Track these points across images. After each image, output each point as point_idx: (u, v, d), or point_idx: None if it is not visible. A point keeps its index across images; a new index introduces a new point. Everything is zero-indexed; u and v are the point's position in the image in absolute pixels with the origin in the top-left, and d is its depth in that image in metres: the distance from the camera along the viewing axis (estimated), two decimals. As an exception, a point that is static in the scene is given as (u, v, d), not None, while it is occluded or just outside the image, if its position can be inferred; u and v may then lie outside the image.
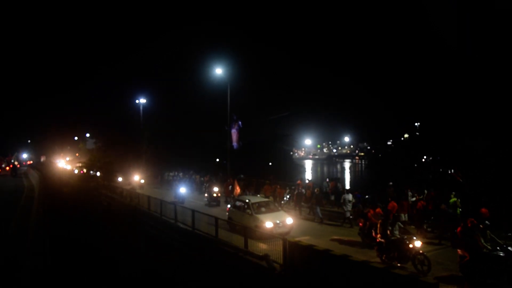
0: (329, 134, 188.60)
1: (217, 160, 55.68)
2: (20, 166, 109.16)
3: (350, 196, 19.34)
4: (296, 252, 11.57)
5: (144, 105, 50.15)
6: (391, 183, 20.50)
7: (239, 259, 13.27)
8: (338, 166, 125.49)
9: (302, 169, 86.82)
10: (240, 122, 33.82)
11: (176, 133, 56.72)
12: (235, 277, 13.02)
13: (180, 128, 56.63)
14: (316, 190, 21.39)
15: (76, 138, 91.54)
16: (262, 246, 13.16)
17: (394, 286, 8.69)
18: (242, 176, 28.64)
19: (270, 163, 57.81)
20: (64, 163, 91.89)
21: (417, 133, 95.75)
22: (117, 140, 55.26)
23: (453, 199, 16.02)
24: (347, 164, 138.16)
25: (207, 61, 42.43)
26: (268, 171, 35.77)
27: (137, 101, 49.94)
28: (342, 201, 19.55)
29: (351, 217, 18.39)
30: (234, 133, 33.99)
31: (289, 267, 11.57)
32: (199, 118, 57.73)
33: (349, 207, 19.06)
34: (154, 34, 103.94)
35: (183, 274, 14.47)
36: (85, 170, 49.85)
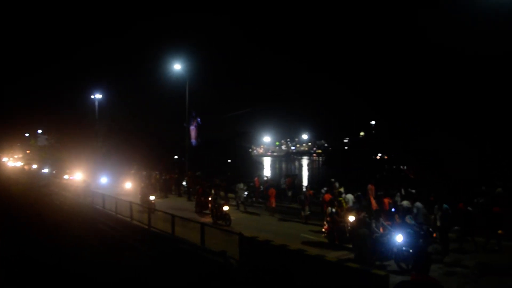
0: (287, 131, 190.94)
1: (175, 157, 55.07)
2: None
3: (241, 185, 21.46)
4: (252, 247, 11.65)
5: (100, 101, 48.74)
6: (332, 180, 20.34)
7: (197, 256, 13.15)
8: (296, 163, 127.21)
9: (260, 166, 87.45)
10: (199, 119, 33.45)
11: (133, 129, 55.45)
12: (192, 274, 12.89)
13: (137, 124, 55.44)
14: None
15: (27, 134, 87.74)
16: (219, 243, 12.92)
17: (347, 278, 8.96)
18: (199, 173, 28.46)
19: (229, 160, 57.90)
20: (13, 161, 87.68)
21: (373, 131, 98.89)
22: (71, 136, 53.41)
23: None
24: (305, 161, 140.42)
25: (166, 58, 41.77)
26: (227, 168, 35.68)
27: (92, 97, 48.50)
28: (236, 189, 21.62)
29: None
30: (193, 130, 33.54)
31: (246, 263, 11.63)
32: (158, 115, 56.83)
33: (240, 194, 21.27)
34: (111, 28, 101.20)
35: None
36: (34, 166, 47.92)
